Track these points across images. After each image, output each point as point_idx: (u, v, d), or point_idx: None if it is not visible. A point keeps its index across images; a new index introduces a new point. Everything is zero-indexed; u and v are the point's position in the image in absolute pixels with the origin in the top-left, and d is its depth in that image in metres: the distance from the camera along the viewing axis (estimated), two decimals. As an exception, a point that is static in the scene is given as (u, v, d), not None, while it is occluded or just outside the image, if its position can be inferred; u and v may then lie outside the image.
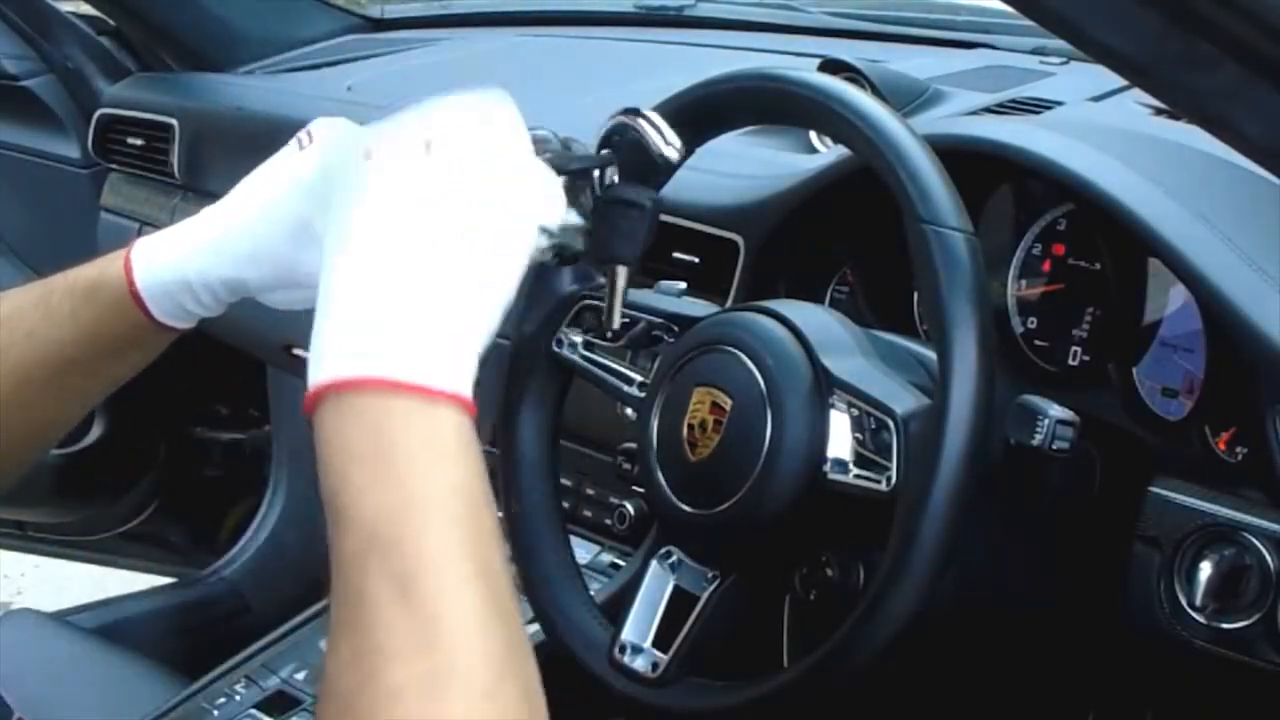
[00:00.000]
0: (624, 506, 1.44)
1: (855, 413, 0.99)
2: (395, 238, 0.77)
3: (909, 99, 1.52)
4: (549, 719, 0.71)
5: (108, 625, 1.87)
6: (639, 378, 1.11)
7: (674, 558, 1.08)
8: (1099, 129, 1.31)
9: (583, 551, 1.44)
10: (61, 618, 1.76)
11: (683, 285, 1.18)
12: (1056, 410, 0.99)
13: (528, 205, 0.85)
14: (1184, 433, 1.15)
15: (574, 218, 0.93)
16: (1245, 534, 1.04)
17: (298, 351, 1.75)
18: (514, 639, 0.69)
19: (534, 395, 1.16)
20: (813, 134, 1.53)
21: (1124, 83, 1.32)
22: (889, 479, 0.96)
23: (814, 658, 0.98)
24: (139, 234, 2.19)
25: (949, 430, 0.92)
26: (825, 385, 1.01)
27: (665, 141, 0.98)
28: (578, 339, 1.11)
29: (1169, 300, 1.17)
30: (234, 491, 2.31)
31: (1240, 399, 1.07)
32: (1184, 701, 1.22)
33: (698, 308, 1.14)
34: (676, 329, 1.12)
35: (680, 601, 1.07)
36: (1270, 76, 0.71)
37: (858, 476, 0.98)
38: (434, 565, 0.68)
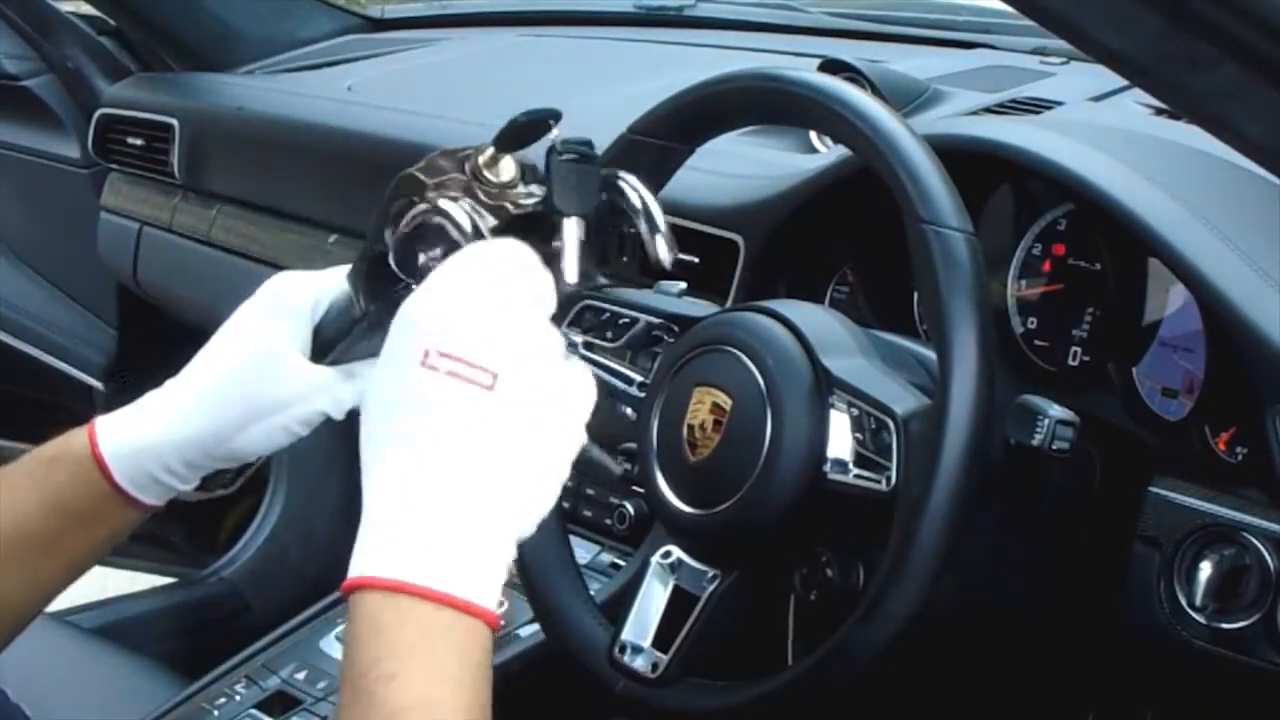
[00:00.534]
0: (624, 506, 1.44)
1: (855, 413, 0.99)
2: (457, 462, 0.77)
3: (909, 99, 1.52)
4: (549, 719, 0.72)
5: (108, 625, 1.87)
6: (639, 378, 1.11)
7: (674, 558, 1.08)
8: (1099, 129, 1.31)
9: (583, 551, 1.44)
10: (62, 617, 1.76)
11: (683, 285, 1.18)
12: (1056, 410, 0.99)
13: (573, 432, 0.82)
14: (1184, 433, 1.15)
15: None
16: (1245, 534, 1.04)
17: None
18: None
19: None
20: (813, 134, 1.53)
21: (1124, 83, 1.33)
22: (889, 479, 0.96)
23: (814, 658, 0.98)
24: (139, 234, 2.20)
25: (949, 430, 0.92)
26: (825, 385, 1.01)
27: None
28: (578, 339, 1.11)
29: (1169, 300, 1.17)
30: (234, 492, 2.31)
31: (1240, 399, 1.07)
32: (1184, 701, 1.22)
33: (698, 308, 1.14)
34: (676, 329, 1.12)
35: (680, 601, 1.07)
36: (1270, 76, 0.71)
37: (858, 476, 0.98)
38: None
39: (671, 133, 1.13)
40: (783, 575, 1.06)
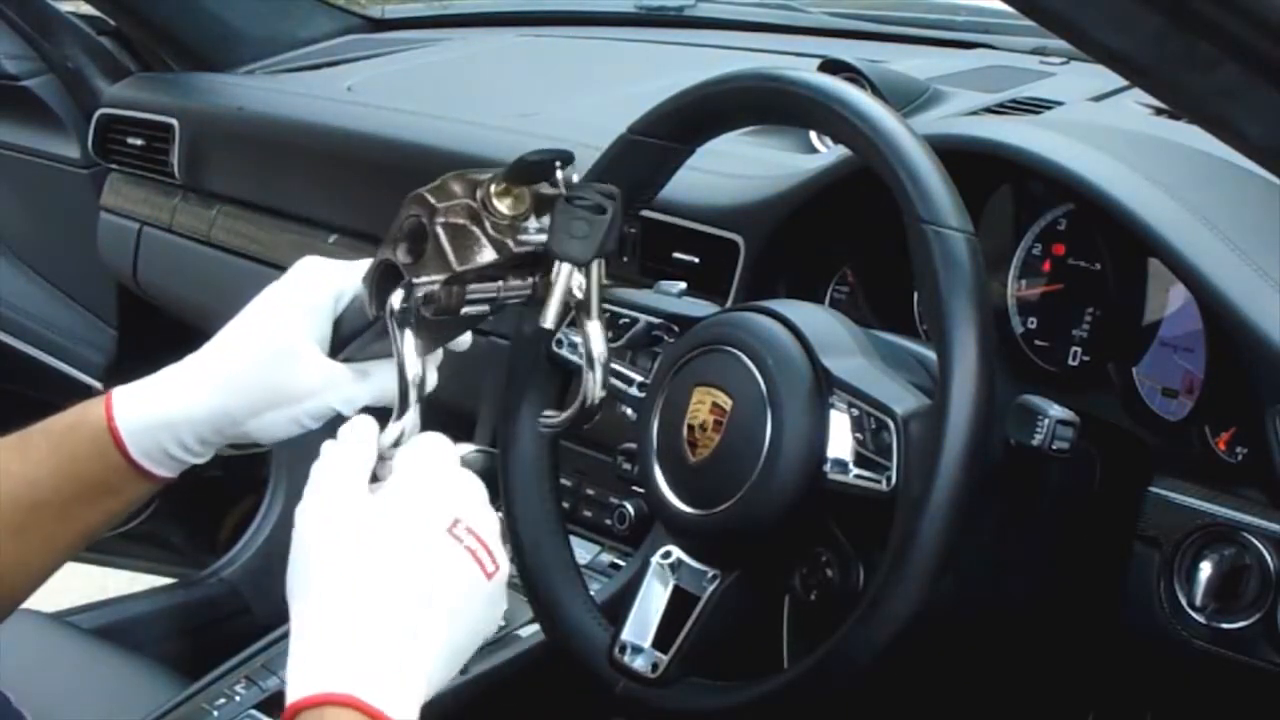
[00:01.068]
0: (624, 506, 1.44)
1: (855, 413, 0.99)
2: (437, 619, 0.83)
3: (909, 99, 1.52)
4: (549, 719, 0.72)
5: (108, 626, 1.87)
6: (639, 378, 1.11)
7: (674, 558, 1.08)
8: (1099, 129, 1.31)
9: (583, 551, 1.44)
10: (62, 618, 1.76)
11: (683, 285, 1.18)
12: (1056, 410, 0.99)
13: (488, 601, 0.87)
14: (1184, 433, 1.15)
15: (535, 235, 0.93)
16: (1245, 534, 1.04)
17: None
18: None
19: (534, 395, 1.16)
20: (813, 134, 1.53)
21: (1124, 83, 1.32)
22: (889, 479, 0.96)
23: (814, 658, 0.98)
24: (139, 234, 2.20)
25: (949, 430, 0.92)
26: (825, 385, 1.01)
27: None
28: (578, 339, 1.11)
29: (1169, 300, 1.17)
30: (234, 492, 2.31)
31: (1240, 399, 1.07)
32: (1184, 701, 1.22)
33: (698, 308, 1.14)
34: (676, 329, 1.12)
35: (680, 602, 1.07)
36: (1270, 76, 0.71)
37: (858, 476, 0.98)
38: None
39: (671, 133, 1.13)
40: (783, 575, 1.06)
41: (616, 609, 1.10)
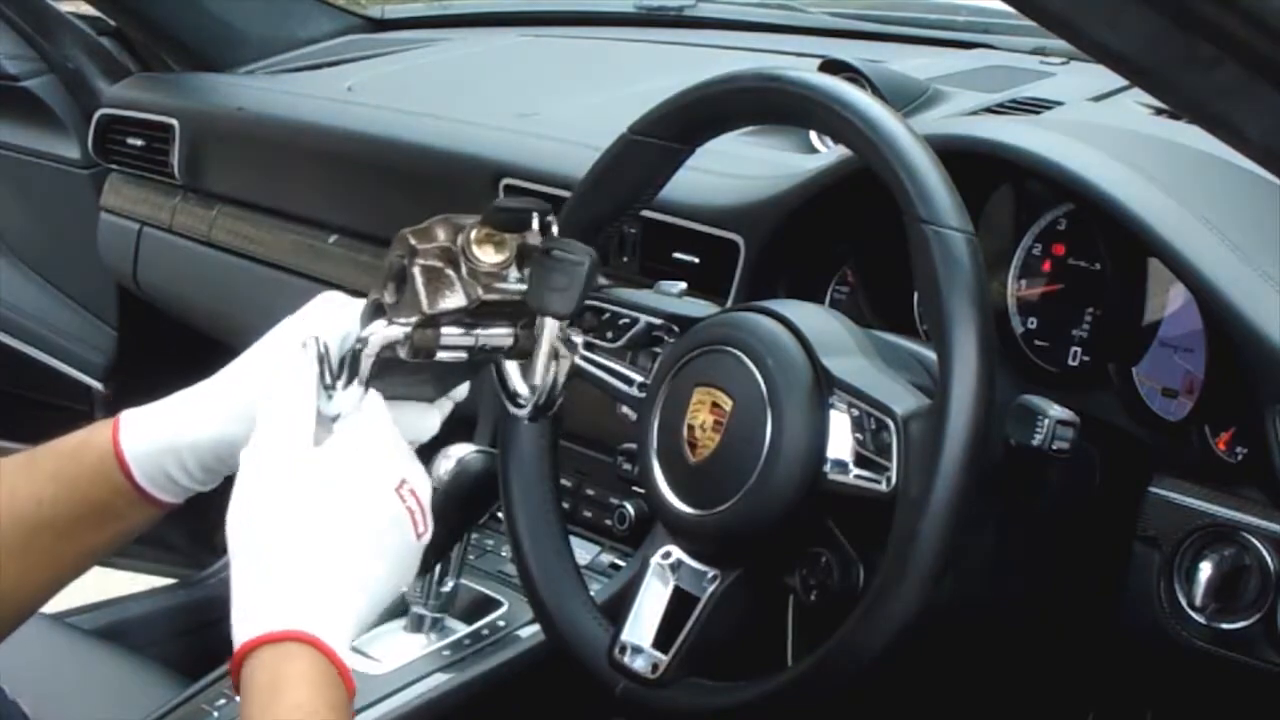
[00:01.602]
0: (624, 507, 1.44)
1: (855, 413, 0.99)
2: (365, 560, 0.88)
3: (909, 99, 1.52)
4: (549, 719, 0.72)
5: (109, 626, 1.87)
6: (639, 378, 1.11)
7: (674, 558, 1.08)
8: (1099, 129, 1.31)
9: (583, 552, 1.44)
10: (63, 619, 1.76)
11: (683, 285, 1.18)
12: (1056, 410, 0.99)
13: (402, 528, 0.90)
14: (1184, 433, 1.15)
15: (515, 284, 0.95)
16: (1245, 534, 1.04)
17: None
18: None
19: (534, 395, 1.16)
20: (813, 134, 1.53)
21: (1124, 83, 1.32)
22: (889, 479, 0.96)
23: (814, 658, 0.98)
24: (139, 234, 2.20)
25: (949, 430, 0.92)
26: (825, 385, 1.00)
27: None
28: (578, 339, 1.11)
29: (1169, 300, 1.17)
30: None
31: (1240, 399, 1.07)
32: (1184, 701, 1.22)
33: (698, 308, 1.14)
34: (676, 329, 1.12)
35: (680, 602, 1.07)
36: (1270, 76, 0.71)
37: (858, 477, 0.98)
38: None
39: (671, 133, 1.13)
40: (783, 576, 1.06)
41: (616, 609, 1.10)
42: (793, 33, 2.07)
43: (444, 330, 0.93)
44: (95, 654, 1.64)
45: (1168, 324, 1.17)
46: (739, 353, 1.04)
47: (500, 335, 0.96)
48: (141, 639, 1.86)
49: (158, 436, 0.95)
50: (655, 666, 1.06)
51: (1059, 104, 1.46)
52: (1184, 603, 1.06)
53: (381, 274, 0.95)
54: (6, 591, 0.97)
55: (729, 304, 1.30)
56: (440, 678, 1.30)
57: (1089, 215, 1.20)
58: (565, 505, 1.22)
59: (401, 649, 1.33)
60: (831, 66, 1.51)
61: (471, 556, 1.38)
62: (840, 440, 0.99)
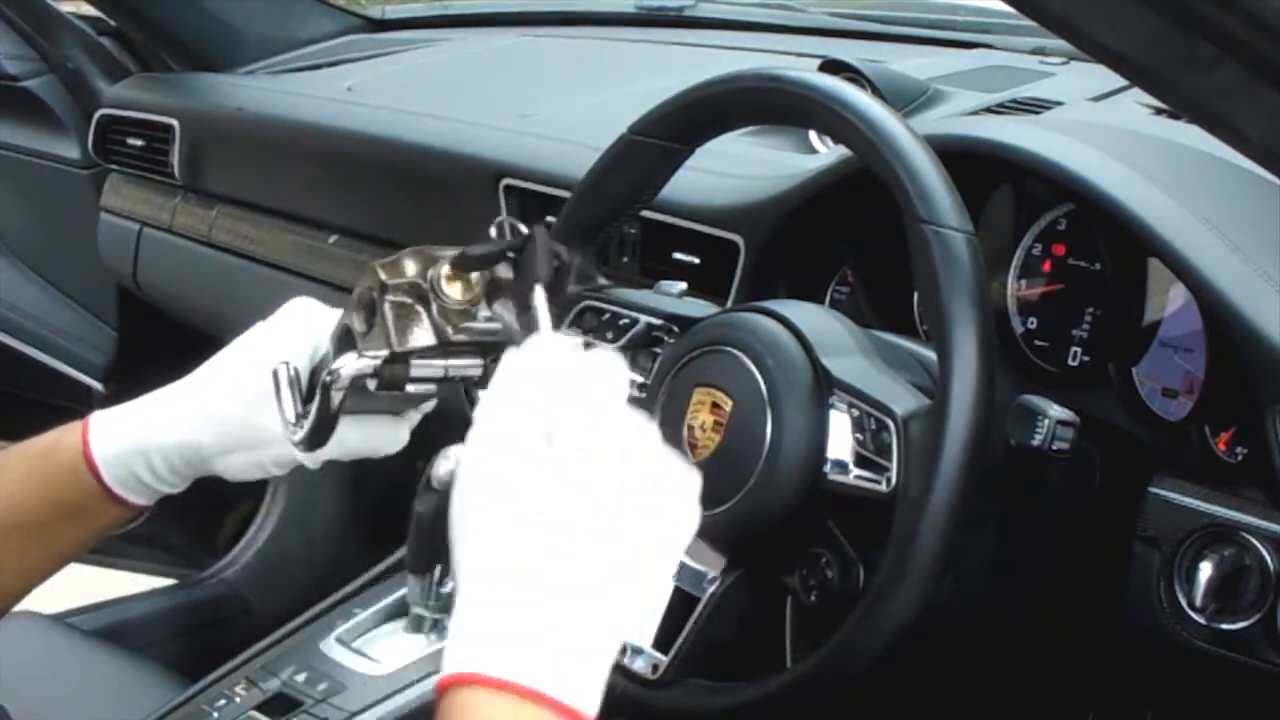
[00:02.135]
0: (624, 507, 1.43)
1: (855, 413, 0.99)
2: (537, 537, 0.72)
3: (909, 99, 1.52)
4: None
5: (109, 627, 1.87)
6: (639, 378, 1.11)
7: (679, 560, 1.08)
8: (1099, 129, 1.31)
9: (583, 552, 1.43)
10: (62, 620, 1.76)
11: (683, 285, 1.18)
12: (1056, 410, 0.99)
13: (671, 512, 0.76)
14: (1184, 433, 1.15)
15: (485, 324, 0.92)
16: (1245, 534, 1.04)
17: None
18: None
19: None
20: (813, 134, 1.53)
21: (1124, 83, 1.32)
22: (889, 479, 0.96)
23: (814, 659, 0.98)
24: (139, 234, 2.20)
25: (949, 430, 0.92)
26: (825, 386, 1.00)
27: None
28: (578, 339, 1.11)
29: (1169, 300, 1.17)
30: (234, 492, 2.31)
31: (1240, 399, 1.07)
32: (1184, 701, 1.21)
33: (698, 308, 1.14)
34: (676, 329, 1.12)
35: (680, 603, 1.06)
36: (1270, 76, 0.71)
37: (858, 477, 0.98)
38: None
39: (671, 133, 1.13)
40: (783, 576, 1.06)
41: (616, 609, 1.10)
42: (793, 33, 2.06)
43: (414, 363, 0.92)
44: (95, 654, 1.64)
45: (1168, 324, 1.17)
46: (739, 353, 1.04)
47: (471, 366, 0.95)
48: (141, 639, 1.86)
49: (126, 439, 0.95)
50: (655, 667, 1.06)
51: (1059, 104, 1.46)
52: (1184, 603, 1.06)
53: (352, 300, 0.94)
54: None
55: (729, 304, 1.30)
56: (440, 678, 1.30)
57: (1089, 215, 1.20)
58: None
59: (402, 650, 1.33)
60: (831, 66, 1.51)
61: (471, 557, 1.38)
62: (840, 440, 0.99)
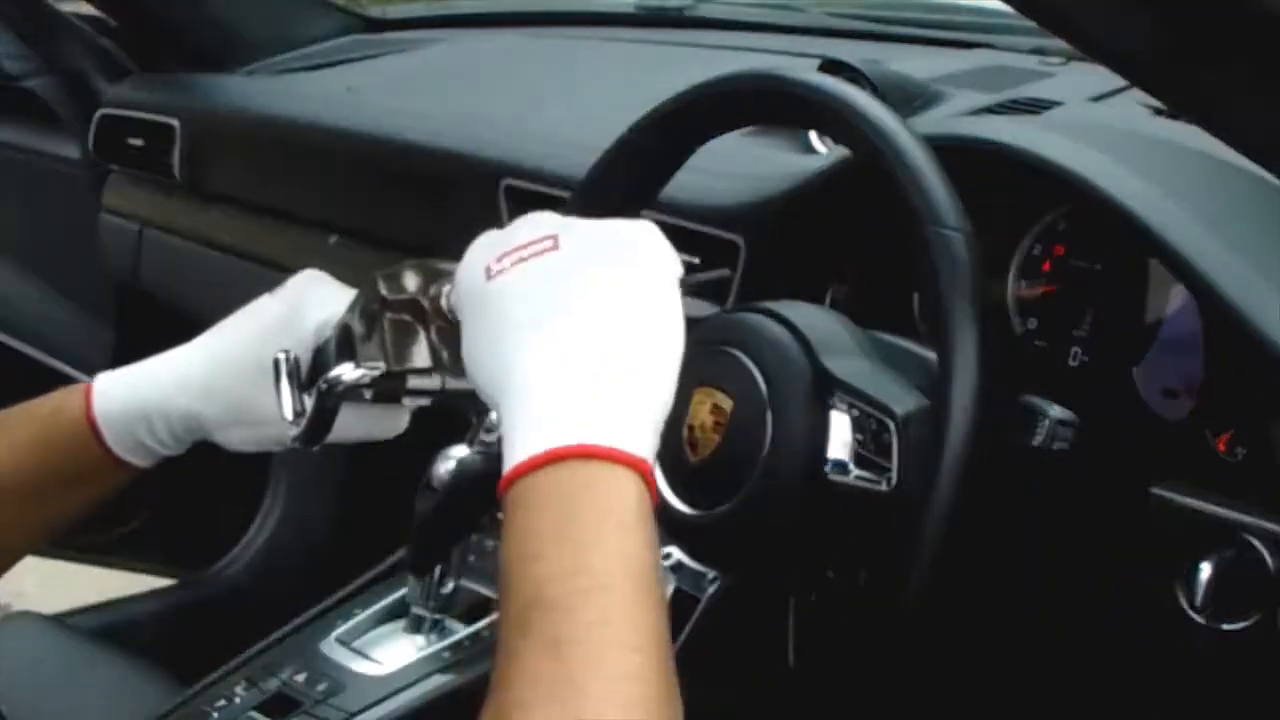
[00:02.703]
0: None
1: (855, 413, 0.99)
2: (566, 325, 0.76)
3: (909, 99, 1.52)
4: None
5: (108, 627, 1.87)
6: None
7: (674, 559, 1.08)
8: (1099, 129, 1.31)
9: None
10: (61, 620, 1.76)
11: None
12: (1056, 411, 0.99)
13: (664, 260, 0.82)
14: (1184, 433, 1.15)
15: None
16: (1245, 534, 1.04)
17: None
18: (665, 712, 0.68)
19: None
20: (813, 134, 1.53)
21: (1124, 83, 1.32)
22: (889, 480, 0.96)
23: (815, 659, 0.98)
24: (140, 234, 2.20)
25: (949, 431, 0.92)
26: (825, 386, 1.01)
27: None
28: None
29: (1169, 300, 1.17)
30: (234, 492, 2.31)
31: (1240, 399, 1.07)
32: (1184, 701, 1.21)
33: (697, 308, 1.13)
34: (676, 329, 1.11)
35: (680, 603, 1.07)
36: (1270, 76, 0.71)
37: (858, 477, 0.98)
38: (588, 630, 0.67)
39: (672, 133, 1.13)
40: (783, 576, 1.06)
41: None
42: (793, 33, 2.06)
43: (410, 380, 0.92)
44: (94, 655, 1.64)
45: (1168, 324, 1.17)
46: (739, 353, 1.04)
47: (468, 384, 0.95)
48: (141, 639, 1.86)
49: (130, 402, 0.96)
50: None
51: (1059, 104, 1.46)
52: (1184, 603, 1.06)
53: (354, 303, 0.94)
54: None
55: (729, 304, 1.30)
56: (440, 679, 1.29)
57: (1089, 215, 1.20)
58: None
59: (401, 650, 1.33)
60: (831, 66, 1.51)
61: (471, 557, 1.38)
62: (840, 440, 0.99)
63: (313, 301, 0.97)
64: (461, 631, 1.34)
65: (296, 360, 0.94)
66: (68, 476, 0.97)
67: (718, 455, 1.03)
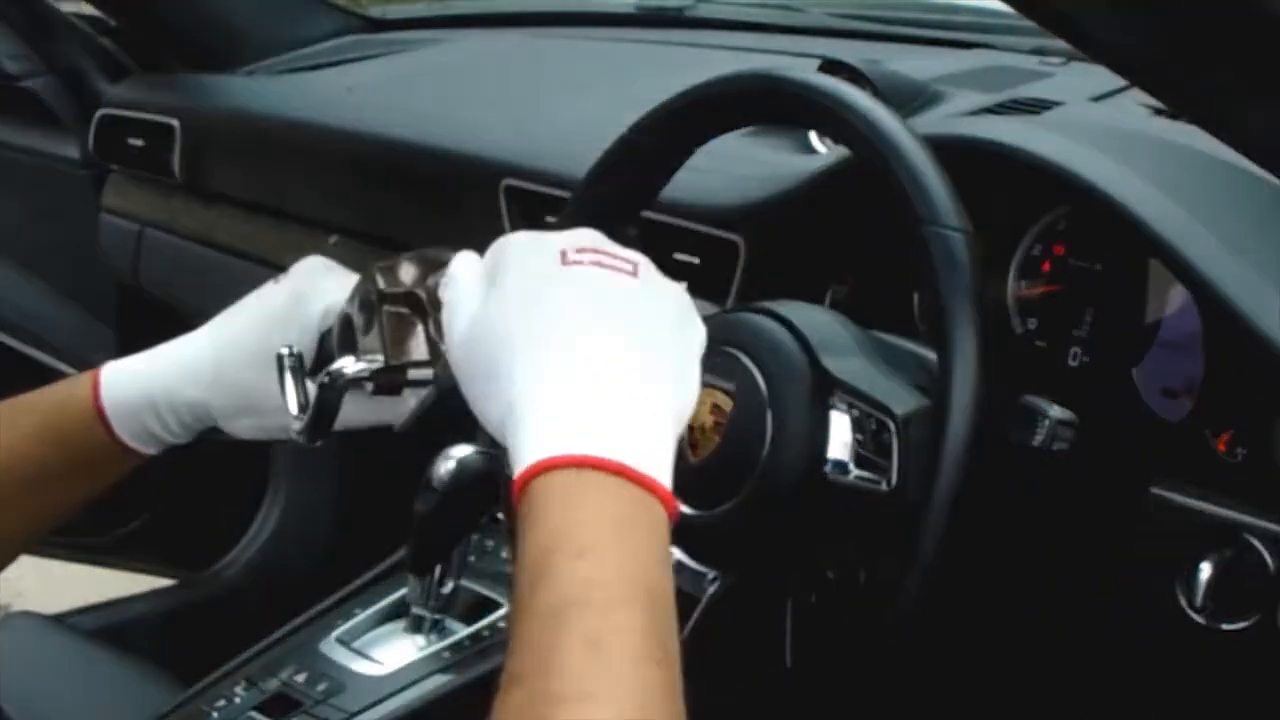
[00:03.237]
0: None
1: (855, 413, 0.99)
2: (621, 343, 0.77)
3: (909, 99, 1.52)
4: None
5: (107, 627, 1.87)
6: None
7: (673, 559, 1.08)
8: (1099, 129, 1.31)
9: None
10: (61, 620, 1.76)
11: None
12: (1056, 411, 0.99)
13: (677, 294, 0.84)
14: (1184, 433, 1.15)
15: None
16: (1245, 534, 1.04)
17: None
18: None
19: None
20: (813, 134, 1.53)
21: (1124, 83, 1.32)
22: (889, 480, 0.96)
23: (814, 660, 0.98)
24: (140, 234, 2.20)
25: (949, 431, 0.92)
26: (825, 386, 1.01)
27: None
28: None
29: (1169, 300, 1.17)
30: (234, 492, 2.31)
31: (1240, 399, 1.07)
32: (1184, 701, 1.21)
33: (698, 308, 1.13)
34: (676, 330, 1.11)
35: (680, 603, 1.06)
36: (1270, 77, 0.71)
37: (858, 477, 0.98)
38: (625, 635, 0.68)
39: (671, 133, 1.13)
40: (783, 576, 1.06)
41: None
42: (793, 33, 2.06)
43: (410, 371, 0.92)
44: (93, 656, 1.64)
45: (1168, 324, 1.17)
46: (739, 353, 1.04)
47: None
48: (141, 639, 1.86)
49: (137, 390, 0.96)
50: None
51: (1059, 104, 1.46)
52: (1184, 603, 1.06)
53: (353, 293, 0.94)
54: None
55: (729, 304, 1.30)
56: (440, 679, 1.30)
57: (1089, 215, 1.20)
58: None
59: (401, 650, 1.33)
60: (831, 66, 1.51)
61: (472, 557, 1.38)
62: (840, 440, 0.99)
63: (317, 288, 0.97)
64: (461, 631, 1.35)
65: (299, 355, 0.94)
66: (74, 464, 0.97)
67: (718, 455, 1.03)
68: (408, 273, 0.91)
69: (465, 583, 1.38)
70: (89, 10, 2.32)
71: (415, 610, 1.35)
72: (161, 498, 2.35)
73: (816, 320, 1.06)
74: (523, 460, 0.72)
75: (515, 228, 1.07)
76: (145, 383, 0.96)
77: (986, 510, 1.00)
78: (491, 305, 0.78)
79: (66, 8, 2.36)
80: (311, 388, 0.94)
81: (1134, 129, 1.33)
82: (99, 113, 2.23)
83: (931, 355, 1.03)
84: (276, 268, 1.93)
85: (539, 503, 0.71)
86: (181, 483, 2.38)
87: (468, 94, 1.96)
